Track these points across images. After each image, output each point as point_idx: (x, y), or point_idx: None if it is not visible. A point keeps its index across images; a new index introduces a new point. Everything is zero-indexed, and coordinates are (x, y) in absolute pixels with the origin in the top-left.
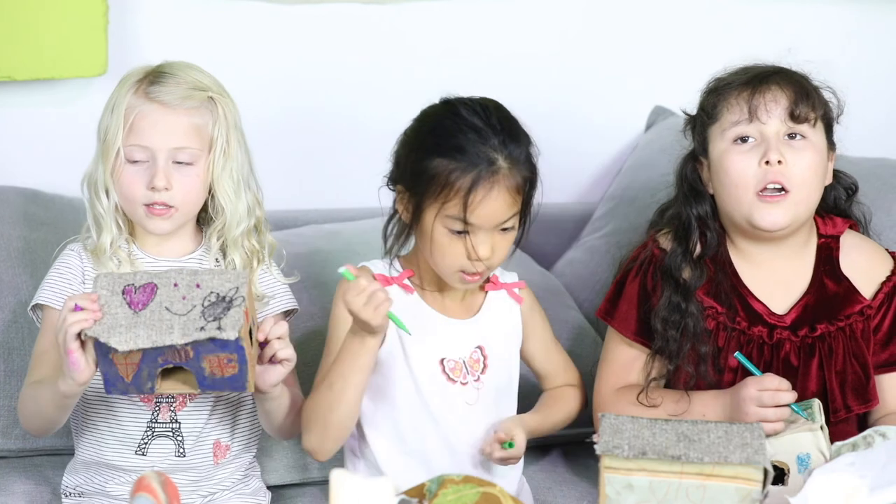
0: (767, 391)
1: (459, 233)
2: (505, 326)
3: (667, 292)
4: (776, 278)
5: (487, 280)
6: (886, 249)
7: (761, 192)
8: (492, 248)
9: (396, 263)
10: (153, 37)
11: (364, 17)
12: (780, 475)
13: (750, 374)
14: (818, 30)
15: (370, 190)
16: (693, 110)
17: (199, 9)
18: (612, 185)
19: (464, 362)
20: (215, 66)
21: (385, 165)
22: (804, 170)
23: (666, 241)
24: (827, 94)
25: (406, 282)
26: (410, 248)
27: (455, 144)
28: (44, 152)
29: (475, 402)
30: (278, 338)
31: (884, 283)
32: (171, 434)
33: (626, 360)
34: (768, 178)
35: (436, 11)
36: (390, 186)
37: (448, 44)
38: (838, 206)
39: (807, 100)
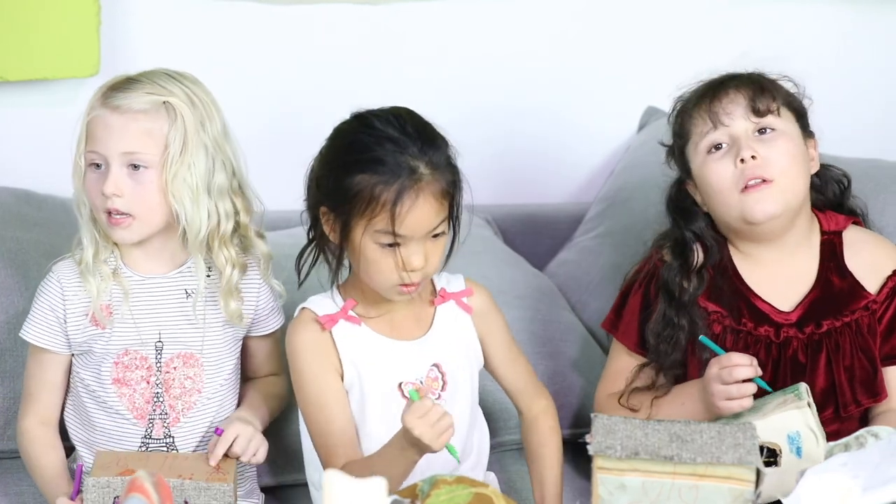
0: (726, 368)
1: (391, 245)
2: (458, 340)
3: (661, 306)
4: (781, 277)
5: (435, 294)
6: None
7: (744, 188)
8: (425, 256)
9: (337, 294)
10: (146, 38)
11: (360, 17)
12: (772, 456)
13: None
14: (814, 31)
15: None
16: (668, 139)
17: (191, 9)
18: (605, 185)
19: (421, 382)
20: (208, 67)
21: None
22: (780, 158)
23: (669, 254)
24: (787, 85)
25: (351, 313)
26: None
27: (374, 157)
28: (36, 153)
29: None
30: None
31: (889, 277)
32: (165, 449)
33: (626, 371)
34: (746, 175)
35: (430, 12)
36: (310, 211)
37: (442, 45)
38: (836, 200)
39: (763, 93)
